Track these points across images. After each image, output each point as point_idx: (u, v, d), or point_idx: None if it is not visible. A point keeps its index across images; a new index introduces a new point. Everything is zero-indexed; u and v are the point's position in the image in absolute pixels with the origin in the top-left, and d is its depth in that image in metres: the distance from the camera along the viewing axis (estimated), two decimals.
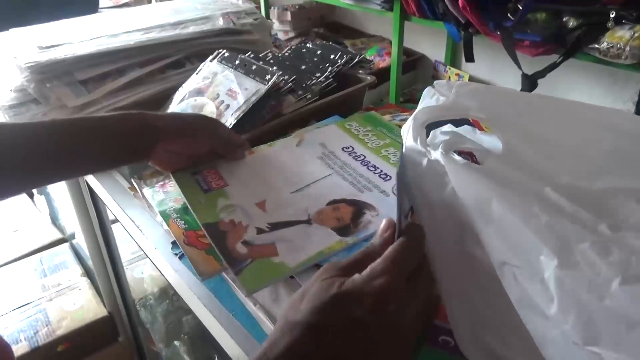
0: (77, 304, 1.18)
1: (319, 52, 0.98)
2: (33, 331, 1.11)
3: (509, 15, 1.26)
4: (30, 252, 1.36)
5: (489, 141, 0.42)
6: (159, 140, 0.62)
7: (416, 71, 1.97)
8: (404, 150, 0.39)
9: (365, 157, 0.67)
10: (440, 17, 1.46)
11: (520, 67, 1.31)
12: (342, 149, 0.69)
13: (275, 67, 0.84)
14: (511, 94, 0.42)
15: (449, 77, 1.81)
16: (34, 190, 1.73)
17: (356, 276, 0.35)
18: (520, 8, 1.20)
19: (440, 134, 0.41)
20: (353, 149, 0.69)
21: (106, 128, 0.61)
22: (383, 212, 0.56)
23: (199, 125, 0.66)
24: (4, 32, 1.06)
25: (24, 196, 1.61)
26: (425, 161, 0.37)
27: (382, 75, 1.78)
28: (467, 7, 1.31)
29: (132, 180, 0.79)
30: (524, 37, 1.25)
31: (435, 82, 0.44)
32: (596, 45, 1.09)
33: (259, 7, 2.18)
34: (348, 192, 0.60)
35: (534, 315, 0.29)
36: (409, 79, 1.95)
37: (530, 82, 1.31)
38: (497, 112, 0.42)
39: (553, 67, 1.22)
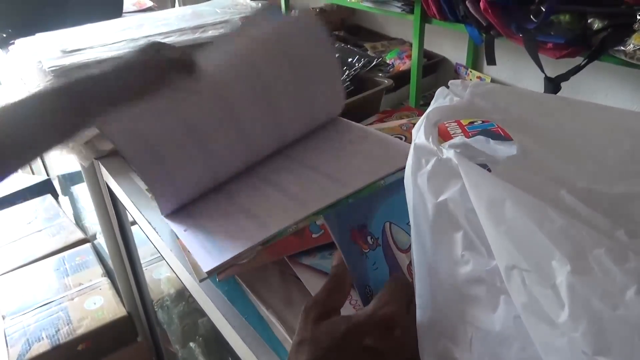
0: (98, 303, 1.20)
1: (337, 55, 0.98)
2: (54, 329, 1.13)
3: (531, 17, 1.23)
4: (53, 251, 1.39)
5: (503, 147, 0.41)
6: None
7: (437, 74, 1.95)
8: (412, 147, 0.39)
9: None
10: (461, 19, 1.44)
11: (543, 70, 1.28)
12: None
13: None
14: (528, 95, 0.41)
15: (471, 80, 1.78)
16: (59, 191, 1.77)
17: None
18: (544, 10, 1.18)
19: (449, 147, 0.40)
20: None
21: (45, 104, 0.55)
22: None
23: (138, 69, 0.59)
24: (30, 37, 1.09)
25: (48, 197, 1.65)
26: (434, 160, 0.36)
27: (402, 78, 1.77)
28: (488, 9, 1.29)
29: None
30: (547, 39, 1.23)
31: (450, 81, 0.43)
32: (622, 48, 1.06)
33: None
34: None
35: (540, 322, 0.28)
36: (429, 82, 1.93)
37: (553, 86, 1.29)
38: (512, 113, 0.41)
39: (577, 69, 1.19)
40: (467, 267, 0.34)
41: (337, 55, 0.98)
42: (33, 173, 2.09)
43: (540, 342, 0.28)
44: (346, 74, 0.90)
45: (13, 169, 0.56)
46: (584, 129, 0.38)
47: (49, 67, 0.90)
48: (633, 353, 0.24)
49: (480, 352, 0.33)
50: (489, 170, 0.37)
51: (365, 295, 0.44)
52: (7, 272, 1.36)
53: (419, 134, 0.39)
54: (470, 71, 1.78)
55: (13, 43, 1.20)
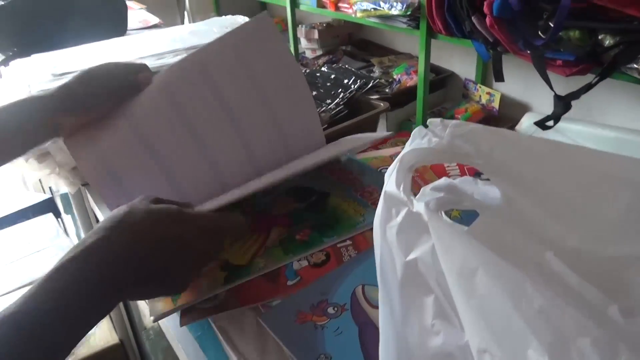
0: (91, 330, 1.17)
1: (332, 76, 0.95)
2: None
3: (539, 33, 1.19)
4: None
5: (489, 194, 0.37)
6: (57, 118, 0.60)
7: (445, 89, 1.91)
8: (382, 195, 0.35)
9: None
10: (467, 35, 1.40)
11: (552, 88, 1.23)
12: None
13: None
14: (514, 138, 0.37)
15: (480, 96, 1.74)
16: (61, 209, 1.76)
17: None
18: (552, 25, 1.13)
19: (431, 190, 0.36)
20: None
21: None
22: None
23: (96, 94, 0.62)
24: (25, 58, 1.08)
25: (50, 216, 1.64)
26: (404, 212, 0.32)
27: (410, 93, 1.73)
28: (494, 25, 1.25)
29: None
30: (556, 56, 1.18)
31: (429, 120, 0.39)
32: (635, 65, 1.01)
33: (285, 26, 2.17)
34: None
35: None
36: (438, 97, 1.88)
37: (563, 104, 1.23)
38: (496, 158, 0.37)
39: (588, 87, 1.14)
40: (438, 339, 0.30)
41: (333, 75, 0.95)
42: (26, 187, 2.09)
43: None
44: (340, 96, 0.86)
45: None
46: (576, 178, 0.33)
47: (36, 92, 0.88)
48: None
49: None
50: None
51: None
52: (6, 293, 1.34)
53: (390, 181, 0.35)
54: (480, 87, 1.73)
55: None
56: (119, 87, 0.62)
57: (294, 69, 0.65)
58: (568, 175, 0.33)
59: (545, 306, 0.25)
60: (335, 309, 0.45)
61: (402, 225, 0.32)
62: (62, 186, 0.88)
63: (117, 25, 1.72)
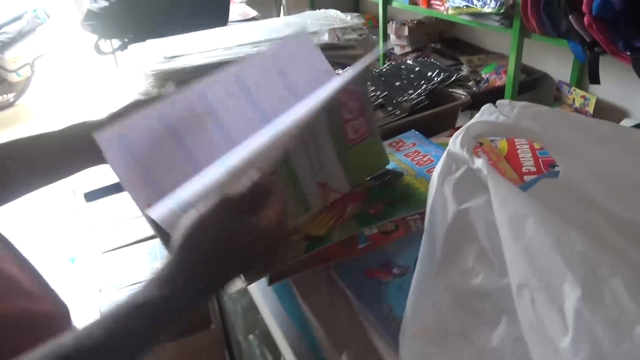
0: None
1: (417, 69, 0.98)
2: None
3: None
4: (146, 237, 1.53)
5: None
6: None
7: (536, 91, 1.85)
8: (445, 153, 0.39)
9: None
10: (563, 34, 1.36)
11: None
12: None
13: (369, 83, 0.86)
14: (580, 121, 0.39)
15: (574, 99, 1.67)
16: None
17: None
18: None
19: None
20: None
21: (50, 144, 0.62)
22: None
23: None
24: (141, 43, 1.21)
25: None
26: (464, 168, 0.36)
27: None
28: (593, 25, 1.20)
29: None
30: None
31: (498, 101, 0.43)
32: None
33: (376, 21, 2.21)
34: None
35: (543, 343, 0.26)
36: (527, 98, 1.82)
37: None
38: (560, 138, 0.39)
39: None
40: (476, 280, 0.34)
41: (417, 68, 0.98)
42: None
43: None
44: (422, 88, 0.89)
45: None
46: (634, 157, 0.35)
47: (151, 71, 1.00)
48: None
49: None
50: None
51: (387, 316, 0.47)
52: (108, 251, 1.52)
53: (455, 143, 0.39)
54: (574, 89, 1.66)
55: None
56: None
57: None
58: (626, 155, 0.35)
59: (585, 250, 0.28)
60: (400, 269, 0.49)
61: (460, 179, 0.36)
62: None
63: (219, 17, 1.87)
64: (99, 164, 0.64)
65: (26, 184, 0.64)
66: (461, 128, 0.39)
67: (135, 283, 1.33)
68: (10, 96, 4.16)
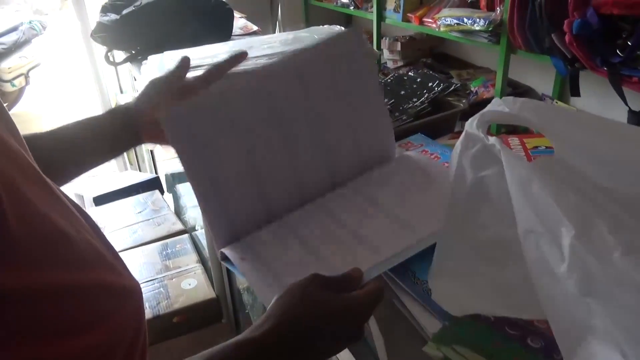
0: (192, 285, 1.38)
1: (418, 79, 1.09)
2: (156, 302, 1.33)
3: (617, 51, 1.26)
4: (158, 238, 1.61)
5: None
6: (140, 121, 0.69)
7: None
8: (463, 133, 0.49)
9: None
10: (546, 51, 1.49)
11: (627, 103, 1.29)
12: None
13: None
14: (574, 114, 0.50)
15: None
16: (165, 188, 2.02)
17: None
18: (630, 44, 1.21)
19: None
20: None
21: (96, 127, 0.70)
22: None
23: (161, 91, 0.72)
24: (159, 55, 1.30)
25: (156, 192, 1.90)
26: (480, 145, 0.46)
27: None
28: (573, 42, 1.33)
29: None
30: (632, 73, 1.25)
31: (504, 98, 0.53)
32: None
33: (370, 37, 2.34)
34: None
35: (545, 274, 0.36)
36: None
37: (637, 119, 1.30)
38: (556, 127, 0.49)
39: None
40: (489, 231, 0.44)
41: (419, 79, 1.09)
42: (140, 170, 2.39)
43: (542, 289, 0.36)
44: (425, 96, 1.00)
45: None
46: (621, 146, 0.46)
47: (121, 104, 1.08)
48: (610, 297, 0.32)
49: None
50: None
51: (410, 278, 0.57)
52: (121, 250, 1.60)
53: (472, 125, 0.49)
54: (556, 102, 1.79)
55: (141, 58, 1.44)
56: (167, 76, 0.74)
57: (375, 83, 0.72)
58: (609, 138, 0.46)
59: (578, 201, 0.38)
60: None
61: (476, 153, 0.46)
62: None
63: (224, 30, 1.96)
64: (140, 144, 0.74)
65: (78, 165, 0.71)
66: (475, 115, 0.49)
67: (151, 280, 1.40)
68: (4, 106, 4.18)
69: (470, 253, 0.45)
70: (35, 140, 0.53)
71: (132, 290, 0.38)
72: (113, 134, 0.71)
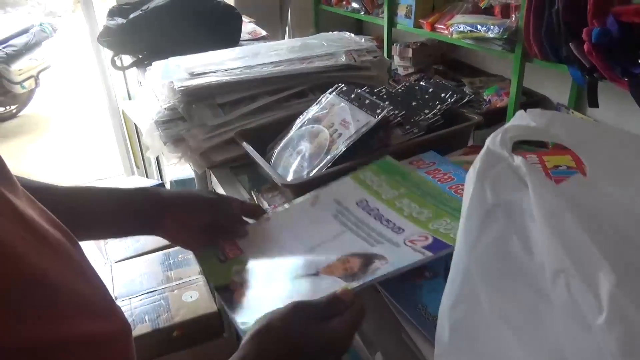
0: (193, 297, 1.34)
1: (430, 89, 1.04)
2: (156, 314, 1.29)
3: (638, 61, 1.21)
4: (159, 247, 1.57)
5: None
6: (165, 213, 0.66)
7: None
8: (484, 150, 0.44)
9: (379, 210, 0.67)
10: (563, 59, 1.44)
11: None
12: (357, 203, 0.70)
13: (387, 102, 0.92)
14: (610, 131, 0.45)
15: None
16: None
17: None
18: None
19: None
20: (367, 202, 0.70)
21: (118, 200, 0.67)
22: (392, 260, 0.56)
23: (201, 200, 0.70)
24: (163, 60, 1.27)
25: None
26: (504, 164, 0.42)
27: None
28: (592, 52, 1.28)
29: (252, 192, 0.91)
30: None
31: (529, 110, 0.48)
32: None
33: (381, 43, 2.29)
34: (360, 246, 0.61)
35: (576, 324, 0.31)
36: None
37: None
38: (587, 143, 0.45)
39: None
40: (506, 257, 0.39)
41: (431, 89, 1.04)
42: (147, 174, 2.36)
43: (571, 341, 0.32)
44: (437, 108, 0.95)
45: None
46: None
47: (178, 87, 1.05)
48: None
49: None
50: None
51: (419, 311, 0.53)
52: (121, 260, 1.56)
53: (495, 142, 0.44)
54: (573, 112, 1.74)
55: (147, 63, 1.40)
56: (218, 220, 0.69)
57: None
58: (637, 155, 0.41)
59: (619, 242, 0.33)
60: (430, 273, 0.55)
61: (499, 174, 0.41)
62: (192, 167, 1.04)
63: (232, 35, 1.93)
64: (149, 234, 0.68)
65: (91, 232, 0.67)
66: (498, 130, 0.45)
67: (151, 291, 1.36)
68: (14, 108, 4.21)
69: (481, 277, 0.40)
70: (50, 196, 0.53)
71: (117, 337, 0.36)
72: (139, 212, 0.67)
